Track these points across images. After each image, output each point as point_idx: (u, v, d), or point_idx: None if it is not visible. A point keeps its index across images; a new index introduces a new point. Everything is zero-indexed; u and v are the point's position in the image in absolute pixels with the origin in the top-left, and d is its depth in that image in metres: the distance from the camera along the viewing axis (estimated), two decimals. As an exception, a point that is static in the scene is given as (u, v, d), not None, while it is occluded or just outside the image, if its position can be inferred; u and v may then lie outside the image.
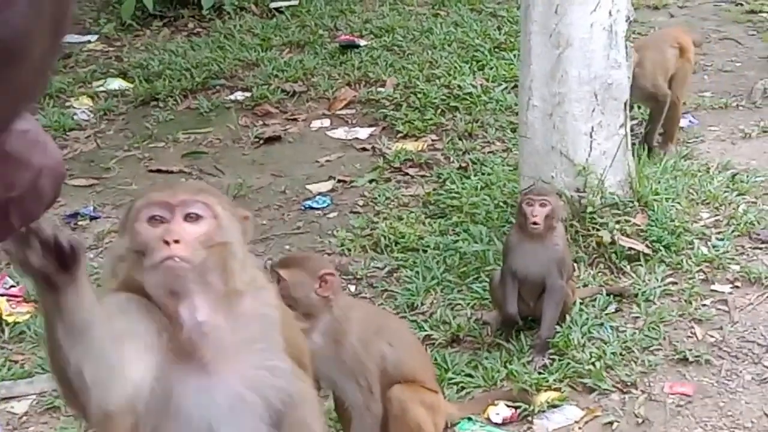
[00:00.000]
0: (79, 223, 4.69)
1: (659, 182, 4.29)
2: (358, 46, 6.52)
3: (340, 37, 6.66)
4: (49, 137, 1.07)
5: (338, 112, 5.75)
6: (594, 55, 3.86)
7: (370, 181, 4.94)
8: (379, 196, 4.75)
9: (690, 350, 3.44)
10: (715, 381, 3.33)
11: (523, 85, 4.04)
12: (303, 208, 4.75)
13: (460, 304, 3.83)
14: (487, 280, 3.78)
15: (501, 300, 3.56)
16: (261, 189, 4.96)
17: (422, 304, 3.87)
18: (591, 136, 3.95)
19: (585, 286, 3.78)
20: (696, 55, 6.26)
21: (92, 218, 4.72)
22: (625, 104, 4.01)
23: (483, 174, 4.75)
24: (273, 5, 7.43)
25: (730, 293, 3.78)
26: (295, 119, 5.71)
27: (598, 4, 3.81)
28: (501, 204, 4.35)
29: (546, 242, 3.46)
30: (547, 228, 3.42)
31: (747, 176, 4.57)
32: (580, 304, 3.66)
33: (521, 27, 4.03)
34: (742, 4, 7.19)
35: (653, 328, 3.56)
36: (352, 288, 4.07)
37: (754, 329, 3.55)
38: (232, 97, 6.01)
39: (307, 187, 4.94)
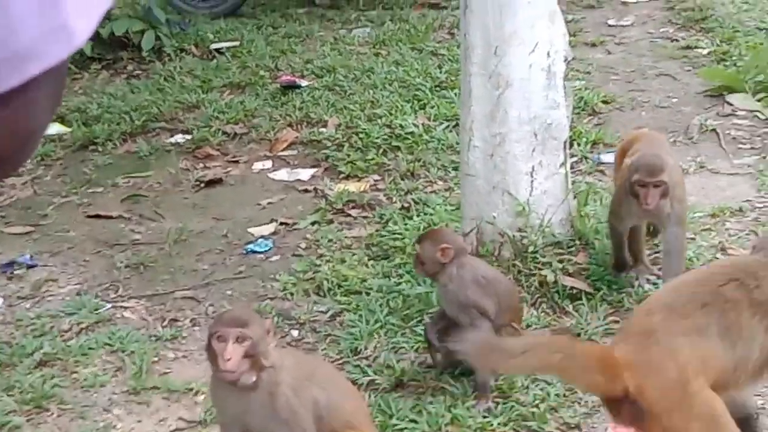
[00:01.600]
0: (16, 272, 4.59)
1: (600, 220, 4.31)
2: (299, 87, 6.51)
3: (281, 78, 6.65)
4: None
5: (280, 154, 5.72)
6: (533, 96, 3.88)
7: (313, 223, 4.91)
8: (322, 238, 4.72)
9: (633, 390, 3.43)
10: (659, 420, 3.33)
11: (464, 126, 4.05)
12: (245, 252, 4.70)
13: (403, 347, 3.79)
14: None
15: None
16: (202, 233, 4.91)
17: (366, 348, 3.83)
18: (532, 176, 3.96)
19: (529, 326, 3.78)
20: (633, 91, 6.37)
21: (29, 267, 4.63)
22: (565, 143, 4.04)
23: (425, 214, 4.74)
24: (214, 46, 7.41)
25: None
26: (236, 161, 5.67)
27: (537, 45, 3.83)
28: (444, 244, 4.34)
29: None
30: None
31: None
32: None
33: (461, 68, 4.04)
34: (677, 40, 7.30)
35: (597, 368, 3.55)
36: (295, 333, 4.02)
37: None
38: (172, 140, 5.96)
39: (249, 230, 4.90)
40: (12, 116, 0.66)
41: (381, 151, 5.56)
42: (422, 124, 5.79)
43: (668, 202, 3.79)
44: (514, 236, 3.97)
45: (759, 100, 5.89)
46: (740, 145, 5.46)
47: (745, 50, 6.65)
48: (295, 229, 4.89)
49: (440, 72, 6.61)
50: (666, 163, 3.81)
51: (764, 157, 5.25)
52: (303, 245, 4.72)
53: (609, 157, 5.38)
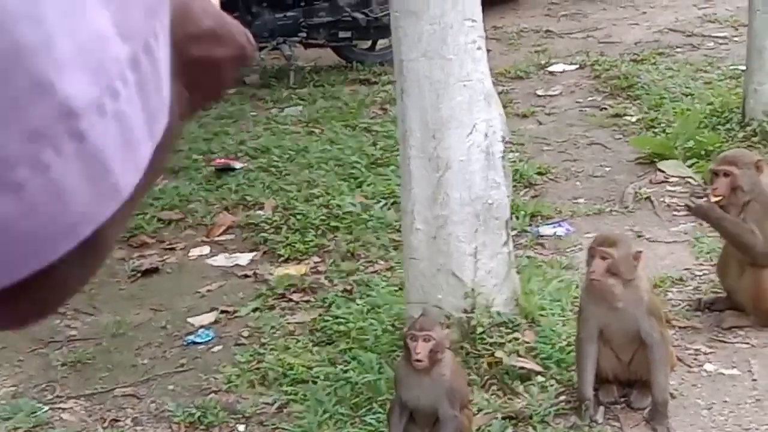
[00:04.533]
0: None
1: (544, 297, 4.30)
2: (233, 169, 6.46)
3: (215, 161, 6.59)
4: (231, 20, 0.90)
5: (217, 239, 5.64)
6: (473, 177, 3.89)
7: (254, 310, 4.83)
8: (264, 325, 4.64)
9: (589, 471, 3.40)
10: (617, 502, 3.30)
11: (405, 209, 4.03)
12: (185, 343, 4.59)
13: (354, 438, 3.72)
14: (381, 411, 3.70)
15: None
16: (140, 325, 4.79)
17: (314, 441, 3.75)
18: (475, 257, 3.95)
19: (480, 410, 3.73)
20: (566, 161, 6.44)
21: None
22: (507, 222, 4.04)
23: (368, 296, 4.69)
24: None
25: (622, 407, 3.78)
26: (173, 248, 5.58)
27: (474, 127, 3.85)
28: (389, 328, 4.29)
29: (433, 373, 3.41)
30: (433, 361, 3.38)
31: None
32: (477, 430, 3.60)
33: (400, 151, 4.03)
34: (606, 108, 7.42)
35: (551, 451, 3.53)
36: (242, 428, 3.92)
37: (650, 444, 3.55)
38: (106, 228, 5.84)
39: (189, 320, 4.79)
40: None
41: (320, 232, 5.52)
42: (360, 203, 5.77)
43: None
44: (460, 318, 3.94)
45: (690, 166, 5.98)
46: (675, 212, 5.52)
47: (673, 117, 6.78)
48: (236, 317, 4.80)
49: (375, 149, 6.62)
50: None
51: (700, 224, 5.31)
52: (245, 333, 4.63)
53: (548, 230, 5.41)
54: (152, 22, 0.63)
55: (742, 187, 4.09)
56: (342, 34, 8.79)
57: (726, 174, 4.09)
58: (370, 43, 9.07)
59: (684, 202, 4.39)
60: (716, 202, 4.14)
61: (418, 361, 3.36)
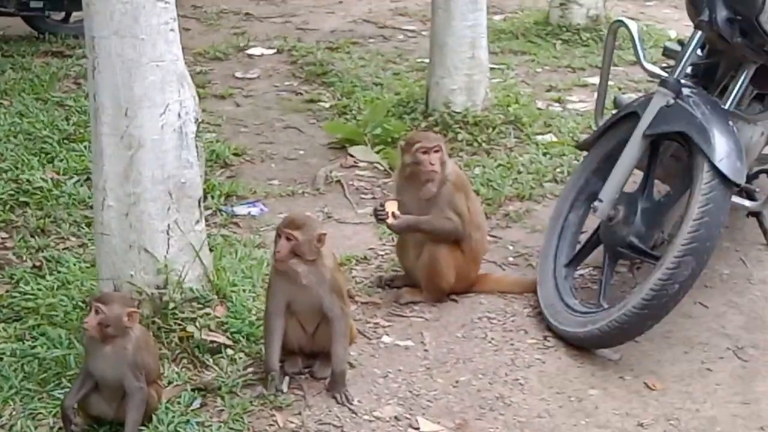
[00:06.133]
0: None
1: (236, 274, 4.45)
2: None
3: None
4: None
5: None
6: (166, 156, 3.95)
7: (-65, 286, 4.64)
8: (-54, 302, 4.48)
9: (272, 438, 3.60)
10: (298, 466, 3.51)
11: (97, 185, 4.03)
12: None
13: (41, 413, 3.69)
14: (70, 385, 3.70)
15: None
16: None
17: (0, 416, 3.70)
18: (168, 234, 4.02)
19: (170, 383, 3.83)
20: (263, 143, 6.62)
21: None
22: (199, 201, 4.13)
23: (59, 273, 4.64)
24: None
25: (306, 377, 4.00)
26: None
27: (167, 107, 3.91)
28: (80, 304, 4.28)
29: (116, 346, 3.47)
30: (104, 334, 3.45)
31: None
32: (167, 402, 3.69)
33: (92, 128, 4.02)
34: (301, 93, 7.69)
35: (237, 420, 3.67)
36: None
37: (329, 411, 3.78)
38: None
39: None
40: None
41: (8, 207, 5.37)
42: (51, 179, 5.66)
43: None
44: (152, 294, 4.00)
45: (377, 152, 6.34)
46: (362, 195, 5.85)
47: (364, 104, 7.13)
48: None
49: (68, 124, 6.50)
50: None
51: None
52: (-75, 311, 4.45)
53: (242, 209, 5.57)
54: None
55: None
56: (33, 4, 8.51)
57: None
58: (64, 14, 8.83)
59: (372, 208, 4.66)
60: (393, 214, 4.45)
61: (85, 329, 3.47)
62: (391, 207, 4.48)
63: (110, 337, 3.47)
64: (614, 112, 4.95)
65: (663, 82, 4.41)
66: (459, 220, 4.51)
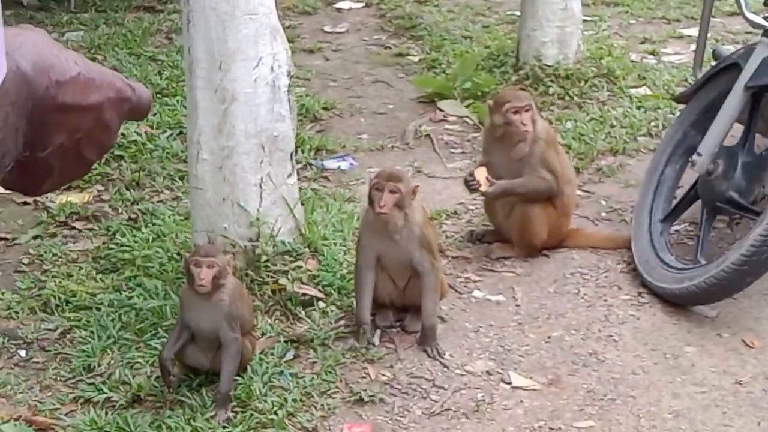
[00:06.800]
0: None
1: (327, 227, 4.46)
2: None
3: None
4: (100, 68, 1.07)
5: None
6: (259, 110, 3.97)
7: (35, 238, 4.76)
8: (46, 252, 4.59)
9: (365, 390, 3.61)
10: (389, 418, 3.52)
11: (191, 139, 4.07)
12: (-38, 271, 4.49)
13: (139, 362, 3.78)
14: (166, 335, 3.77)
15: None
16: None
17: (99, 365, 3.78)
18: (261, 187, 4.05)
19: (264, 335, 3.87)
20: (351, 98, 6.61)
21: None
22: (291, 155, 4.15)
23: (154, 225, 4.72)
24: None
25: (397, 331, 4.01)
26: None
27: (260, 60, 3.92)
28: (175, 256, 4.35)
29: (214, 298, 3.51)
30: (216, 287, 3.49)
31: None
32: (260, 353, 3.74)
33: (186, 82, 4.06)
34: (390, 48, 7.63)
35: (330, 372, 3.71)
36: (23, 353, 3.91)
37: (421, 365, 3.79)
38: None
39: (-34, 248, 4.68)
40: None
41: (103, 160, 5.45)
42: (145, 133, 5.74)
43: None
44: (245, 247, 4.04)
45: (467, 106, 6.28)
46: (452, 150, 5.80)
47: (453, 58, 7.05)
48: (15, 245, 4.72)
49: (161, 79, 6.57)
50: None
51: (474, 161, 5.61)
52: (26, 261, 4.57)
53: (332, 163, 5.58)
54: None
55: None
56: (127, -41, 8.59)
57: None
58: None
59: (462, 179, 4.58)
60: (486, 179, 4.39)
61: (202, 286, 3.46)
62: (481, 174, 4.41)
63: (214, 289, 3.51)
64: (713, 64, 4.81)
65: (766, 32, 4.27)
66: (553, 178, 4.45)
